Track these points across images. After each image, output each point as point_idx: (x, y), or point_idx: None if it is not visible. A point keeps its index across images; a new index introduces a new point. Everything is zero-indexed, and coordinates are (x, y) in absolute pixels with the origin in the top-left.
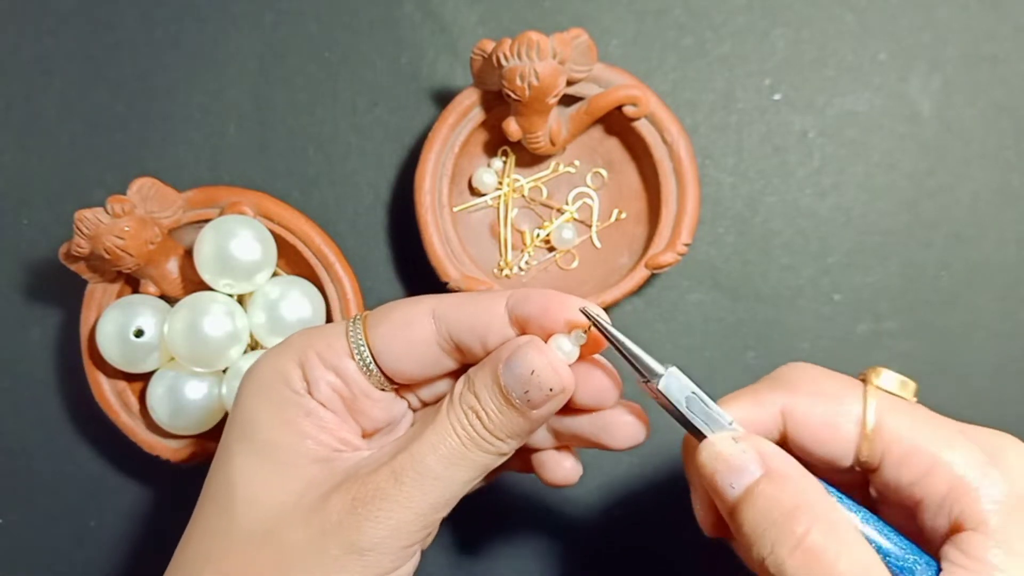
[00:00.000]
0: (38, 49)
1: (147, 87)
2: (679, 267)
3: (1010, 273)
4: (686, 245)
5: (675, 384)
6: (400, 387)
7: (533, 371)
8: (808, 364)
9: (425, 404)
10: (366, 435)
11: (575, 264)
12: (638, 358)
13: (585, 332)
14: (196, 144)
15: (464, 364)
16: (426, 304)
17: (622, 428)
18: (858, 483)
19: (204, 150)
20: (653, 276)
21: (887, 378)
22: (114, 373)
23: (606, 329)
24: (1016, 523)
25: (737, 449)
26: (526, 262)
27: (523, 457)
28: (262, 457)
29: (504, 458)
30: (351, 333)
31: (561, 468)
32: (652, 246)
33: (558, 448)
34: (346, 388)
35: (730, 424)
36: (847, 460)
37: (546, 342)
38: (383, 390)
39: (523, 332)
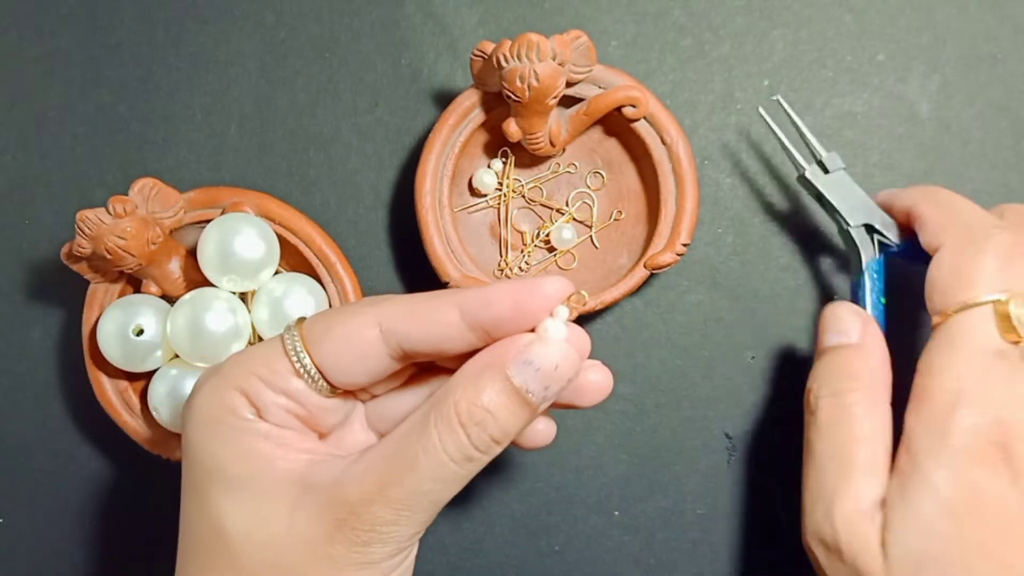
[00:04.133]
0: (39, 49)
1: (148, 88)
2: (678, 267)
3: None
4: (685, 245)
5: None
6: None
7: (557, 366)
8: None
9: (375, 396)
10: (322, 436)
11: (575, 264)
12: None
13: (568, 305)
14: (197, 144)
15: (415, 363)
16: (370, 316)
17: (592, 386)
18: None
19: (205, 150)
20: (652, 276)
21: None
22: (115, 373)
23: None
24: None
25: (849, 313)
26: (526, 262)
27: None
28: (238, 492)
29: None
30: (291, 351)
31: (535, 431)
32: (651, 246)
33: None
34: (300, 407)
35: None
36: None
37: (535, 331)
38: (334, 397)
39: (491, 338)
